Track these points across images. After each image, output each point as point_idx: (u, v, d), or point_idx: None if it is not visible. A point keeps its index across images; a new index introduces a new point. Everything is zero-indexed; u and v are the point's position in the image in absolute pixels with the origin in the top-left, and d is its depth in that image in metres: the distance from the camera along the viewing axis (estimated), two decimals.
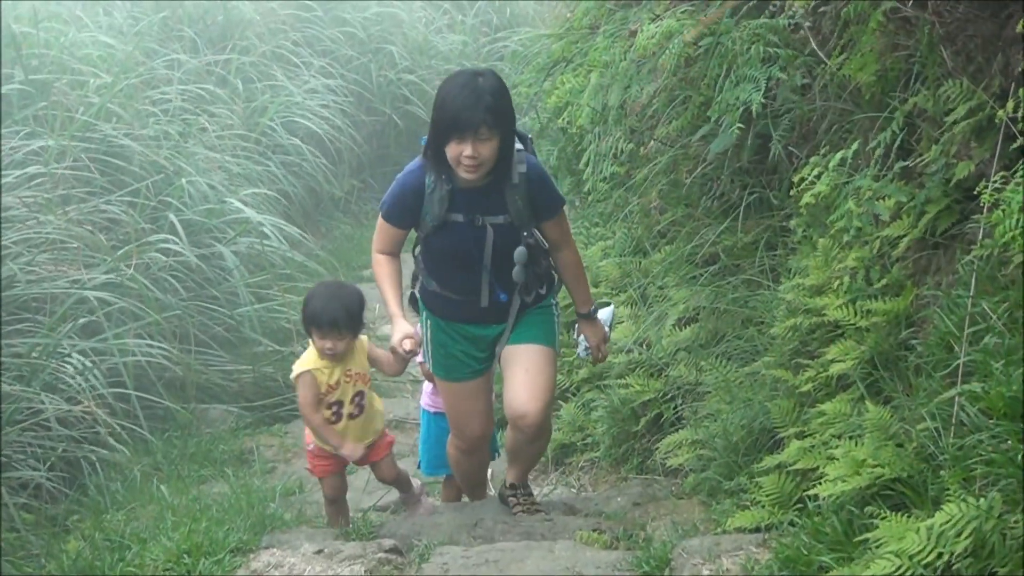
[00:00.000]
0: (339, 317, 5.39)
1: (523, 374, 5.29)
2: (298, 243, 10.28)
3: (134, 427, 7.35)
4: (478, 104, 4.84)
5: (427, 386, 6.00)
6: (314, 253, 10.68)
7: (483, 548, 5.15)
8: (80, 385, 7.02)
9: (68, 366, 7.08)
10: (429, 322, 5.42)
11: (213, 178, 9.89)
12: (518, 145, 5.13)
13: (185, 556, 5.25)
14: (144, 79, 10.61)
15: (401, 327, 5.19)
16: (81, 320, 7.42)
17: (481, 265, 5.20)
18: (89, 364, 7.18)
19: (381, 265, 5.35)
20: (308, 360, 5.48)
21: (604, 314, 5.65)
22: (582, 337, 5.63)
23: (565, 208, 5.41)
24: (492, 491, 6.25)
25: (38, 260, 7.56)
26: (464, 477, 5.99)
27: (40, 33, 10.00)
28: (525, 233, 5.18)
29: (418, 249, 5.36)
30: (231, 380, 8.53)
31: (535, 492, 6.49)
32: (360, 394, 5.55)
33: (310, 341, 5.51)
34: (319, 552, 5.13)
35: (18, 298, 7.25)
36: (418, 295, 5.47)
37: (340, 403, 5.51)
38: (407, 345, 5.16)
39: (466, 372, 5.45)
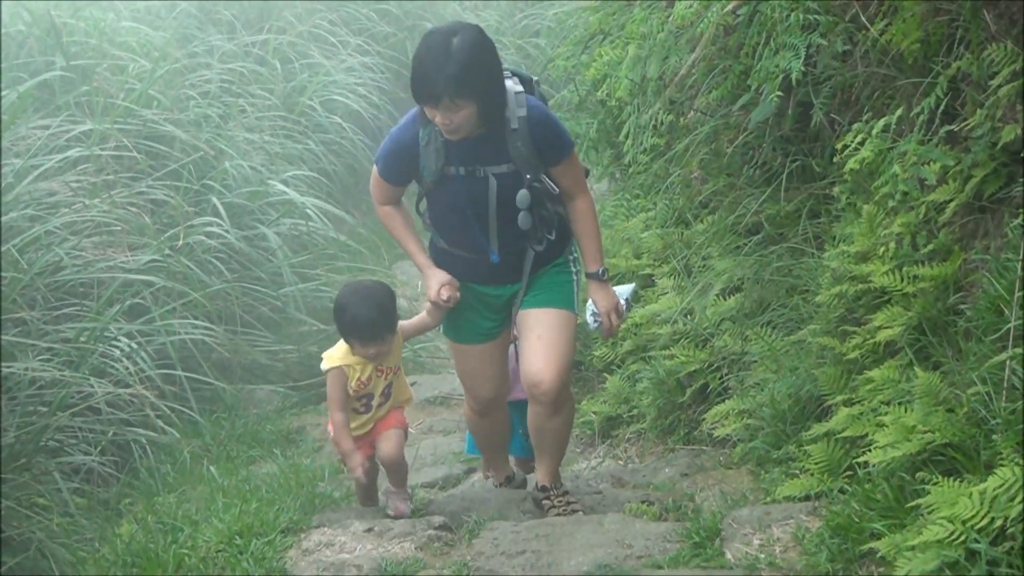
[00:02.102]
0: (378, 322, 5.11)
1: (537, 340, 5.08)
2: (340, 222, 10.31)
3: (183, 409, 7.40)
4: (441, 73, 4.57)
5: None
6: (356, 232, 10.71)
7: (533, 523, 5.16)
8: (128, 368, 7.07)
9: (116, 349, 7.13)
10: None
11: (254, 159, 9.95)
12: (518, 88, 4.87)
13: (237, 537, 5.29)
14: (184, 63, 10.65)
15: (435, 276, 5.05)
16: (127, 303, 7.47)
17: (487, 219, 4.97)
18: (136, 347, 7.23)
19: (391, 216, 5.18)
20: (339, 355, 5.24)
21: (622, 289, 5.37)
22: (590, 302, 5.25)
23: (575, 152, 5.13)
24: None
25: (83, 244, 7.61)
26: (483, 441, 5.80)
27: (79, 23, 10.06)
28: (529, 176, 4.90)
29: (422, 205, 5.17)
30: (277, 360, 8.58)
31: (583, 465, 6.51)
32: (389, 385, 5.34)
33: None
34: (369, 530, 5.16)
35: (65, 283, 7.30)
36: (428, 253, 5.23)
37: (370, 396, 5.30)
38: (445, 293, 5.02)
39: (479, 335, 5.27)
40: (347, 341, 5.19)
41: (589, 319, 5.30)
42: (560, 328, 5.12)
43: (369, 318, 5.09)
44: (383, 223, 5.26)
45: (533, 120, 4.85)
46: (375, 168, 5.14)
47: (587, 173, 5.31)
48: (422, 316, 5.30)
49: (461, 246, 5.09)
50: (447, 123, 4.68)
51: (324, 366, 5.25)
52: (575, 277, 5.22)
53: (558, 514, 5.31)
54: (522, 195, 4.90)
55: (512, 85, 4.87)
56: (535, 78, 5.07)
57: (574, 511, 5.33)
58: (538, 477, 5.50)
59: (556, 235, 5.08)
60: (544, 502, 5.41)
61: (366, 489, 5.60)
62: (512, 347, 5.51)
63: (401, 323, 5.28)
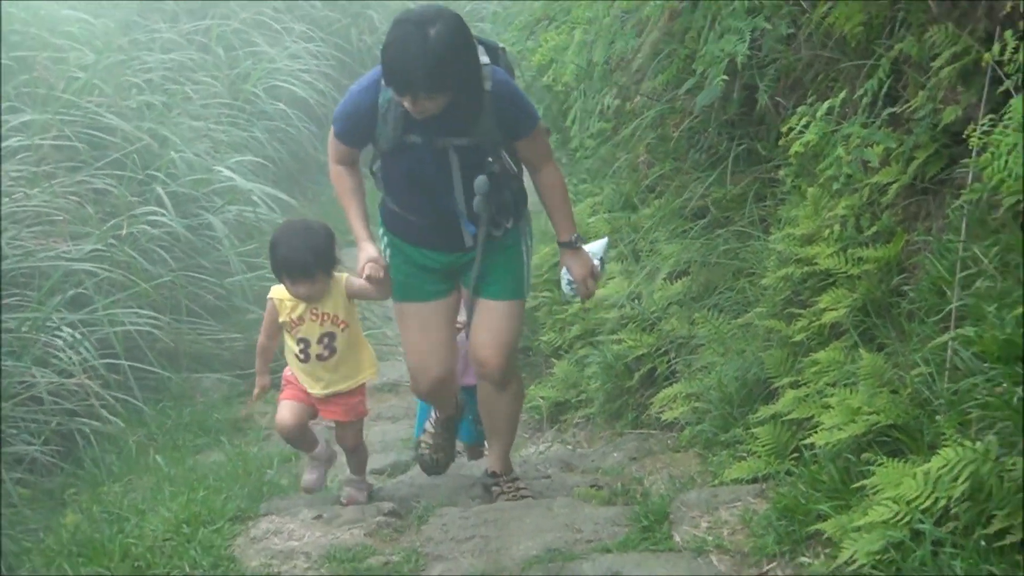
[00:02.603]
0: (308, 261, 4.99)
1: (486, 330, 5.05)
2: (287, 209, 10.25)
3: (127, 398, 7.34)
4: (418, 67, 4.40)
5: None
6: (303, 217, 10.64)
7: (482, 508, 5.17)
8: (71, 358, 7.00)
9: (59, 339, 7.06)
10: (386, 239, 5.08)
11: (199, 147, 9.86)
12: (484, 59, 4.68)
13: (184, 526, 5.26)
14: (126, 52, 10.55)
15: (365, 250, 4.83)
16: (70, 292, 7.40)
17: (448, 192, 4.82)
18: (79, 336, 7.17)
19: (341, 178, 4.97)
20: (279, 287, 5.16)
21: (595, 246, 5.22)
22: (564, 271, 5.13)
23: (541, 124, 4.96)
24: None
25: (24, 234, 7.53)
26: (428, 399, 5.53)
27: (19, 12, 9.94)
28: (491, 159, 4.78)
29: (376, 165, 4.97)
30: (223, 348, 8.52)
31: (532, 450, 6.52)
32: (330, 335, 5.14)
33: None
34: (318, 517, 5.14)
35: (6, 273, 7.22)
36: (380, 211, 5.11)
37: (307, 341, 5.15)
38: (369, 270, 4.81)
39: (426, 292, 5.08)
40: (278, 278, 5.14)
41: (565, 288, 5.23)
42: (509, 316, 5.08)
43: (298, 256, 4.99)
44: (332, 182, 5.05)
45: (498, 94, 4.69)
46: (331, 129, 4.95)
47: (548, 133, 5.25)
48: (367, 284, 5.04)
49: (415, 212, 4.93)
50: (419, 110, 4.53)
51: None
52: (526, 257, 5.11)
53: (507, 500, 5.27)
54: (480, 181, 4.78)
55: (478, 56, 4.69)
56: (501, 46, 4.92)
57: (523, 497, 5.29)
58: (488, 462, 5.49)
59: (512, 222, 5.00)
60: (493, 488, 5.37)
61: (292, 441, 5.43)
62: (463, 334, 5.45)
63: (348, 277, 5.14)
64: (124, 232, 8.12)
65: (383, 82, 4.61)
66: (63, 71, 9.44)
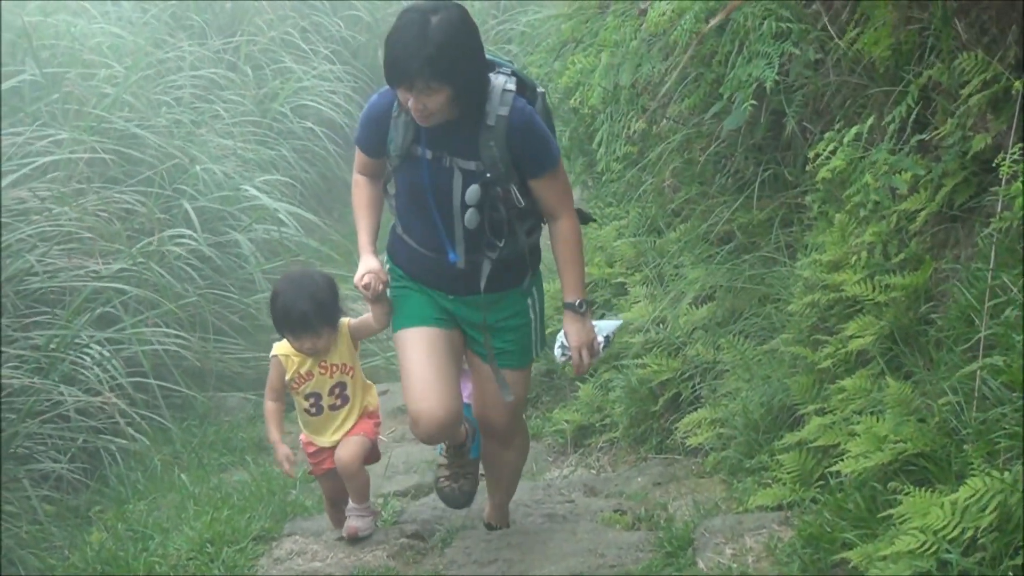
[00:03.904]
0: (309, 314, 4.81)
1: (491, 393, 4.77)
2: (312, 229, 10.29)
3: (154, 416, 7.37)
4: (418, 54, 4.17)
5: None
6: (328, 238, 10.69)
7: (505, 531, 5.16)
8: (99, 376, 7.03)
9: (86, 357, 7.10)
10: (388, 265, 4.78)
11: (226, 165, 9.92)
12: (509, 86, 4.43)
13: (208, 545, 5.29)
14: (156, 68, 10.62)
15: (366, 262, 4.59)
16: (98, 311, 7.44)
17: (451, 216, 4.53)
18: (107, 354, 7.20)
19: (359, 188, 4.75)
20: (282, 345, 4.98)
21: (606, 325, 5.05)
22: (562, 334, 4.73)
23: (562, 166, 4.65)
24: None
25: (54, 252, 7.58)
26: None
27: (51, 24, 10.01)
28: (490, 176, 4.45)
29: (391, 186, 4.73)
30: (248, 368, 8.55)
31: (556, 474, 6.50)
32: (341, 385, 4.99)
33: None
34: (341, 539, 5.15)
35: (35, 291, 7.27)
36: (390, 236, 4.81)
37: (318, 395, 4.98)
38: (366, 280, 4.55)
39: (429, 317, 4.69)
40: (280, 333, 4.94)
41: (557, 352, 4.94)
42: (516, 383, 4.80)
43: (300, 310, 4.81)
44: (352, 192, 4.81)
45: (514, 123, 4.41)
46: (355, 136, 4.76)
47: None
48: (367, 317, 4.90)
49: (419, 240, 4.65)
50: (420, 108, 4.27)
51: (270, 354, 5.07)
52: (534, 322, 4.80)
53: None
54: (472, 190, 4.45)
55: (502, 82, 4.44)
56: (542, 89, 4.65)
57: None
58: (486, 513, 5.29)
59: (516, 261, 4.68)
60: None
61: (337, 508, 5.29)
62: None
63: (350, 321, 4.99)
64: (152, 249, 8.16)
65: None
66: (92, 88, 9.51)
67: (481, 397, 4.86)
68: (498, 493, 5.23)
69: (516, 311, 4.76)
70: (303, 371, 4.95)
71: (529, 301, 4.78)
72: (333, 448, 5.06)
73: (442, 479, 5.23)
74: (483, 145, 4.42)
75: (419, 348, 4.67)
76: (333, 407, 5.02)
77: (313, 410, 5.02)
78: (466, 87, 4.32)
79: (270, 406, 5.07)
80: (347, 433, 5.06)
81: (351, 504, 5.20)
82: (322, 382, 4.97)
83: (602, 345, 4.85)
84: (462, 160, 4.46)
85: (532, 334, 4.81)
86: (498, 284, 4.65)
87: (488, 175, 4.45)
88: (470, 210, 4.48)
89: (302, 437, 5.17)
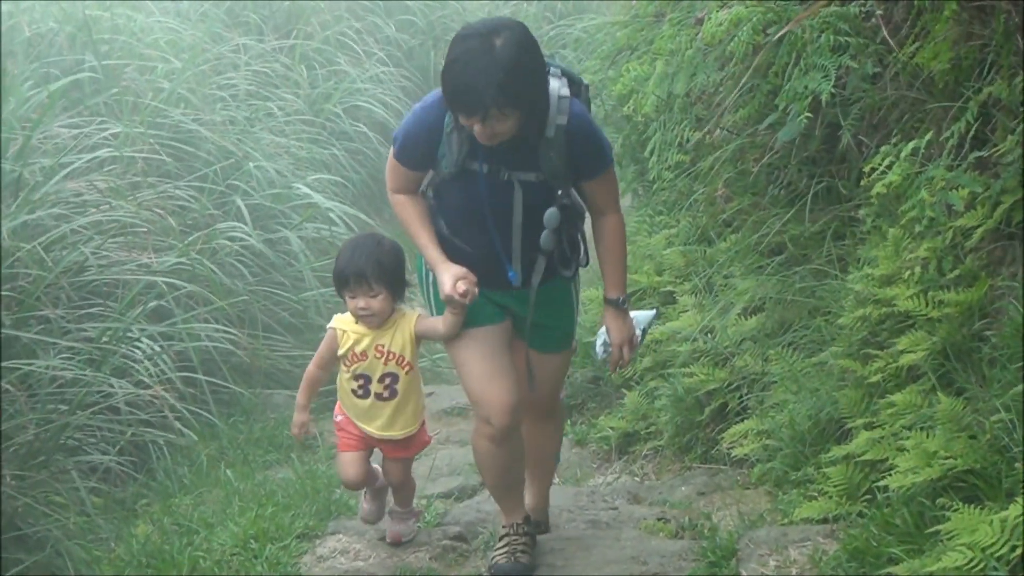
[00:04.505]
0: (367, 268, 4.64)
1: (540, 382, 4.80)
2: (363, 227, 10.33)
3: (201, 412, 7.41)
4: (488, 81, 4.05)
5: None
6: None
7: (548, 537, 5.16)
8: (149, 369, 7.08)
9: (137, 350, 7.15)
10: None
11: (279, 163, 9.98)
12: (564, 91, 4.35)
13: (252, 541, 5.33)
14: (212, 64, 10.71)
15: (450, 270, 4.42)
16: (150, 304, 7.49)
17: (510, 231, 4.46)
18: (158, 349, 7.25)
19: (405, 206, 4.56)
20: (344, 317, 4.84)
21: (642, 316, 4.92)
22: (603, 331, 4.76)
23: (613, 168, 4.62)
24: (556, 479, 6.23)
25: (108, 245, 7.64)
26: (495, 479, 4.90)
27: (110, 19, 10.11)
28: (560, 192, 4.41)
29: (430, 191, 4.57)
30: (296, 365, 8.56)
31: (600, 480, 6.49)
32: (392, 376, 4.80)
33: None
34: (384, 538, 5.17)
35: (89, 282, 7.33)
36: None
37: (367, 378, 4.80)
38: (462, 287, 4.39)
39: (482, 315, 4.61)
40: (338, 291, 4.82)
41: (599, 350, 4.92)
42: (559, 368, 4.89)
43: (358, 264, 4.67)
44: (395, 212, 4.65)
45: (573, 130, 4.34)
46: (391, 149, 4.57)
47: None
48: (435, 320, 4.74)
49: (471, 245, 4.54)
50: (488, 132, 4.19)
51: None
52: (576, 300, 4.82)
53: (499, 556, 4.85)
54: (551, 214, 4.43)
55: (557, 87, 4.36)
56: (586, 83, 4.55)
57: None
58: (527, 503, 5.08)
59: (566, 256, 4.66)
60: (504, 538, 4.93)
61: (358, 487, 5.14)
62: None
63: (421, 315, 4.85)
64: (204, 245, 8.21)
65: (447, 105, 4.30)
66: (150, 82, 9.60)
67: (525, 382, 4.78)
68: (540, 483, 5.16)
69: (562, 297, 4.73)
70: (358, 350, 4.78)
71: (572, 285, 4.75)
72: (371, 437, 4.93)
73: (497, 555, 4.94)
74: (543, 156, 4.35)
75: (477, 346, 4.63)
76: (380, 396, 4.83)
77: (360, 392, 4.84)
78: (535, 107, 4.26)
79: (312, 371, 4.90)
80: (395, 442, 4.94)
81: (394, 507, 5.21)
82: (375, 366, 4.79)
83: (640, 339, 4.86)
84: (521, 172, 4.39)
85: (575, 317, 4.82)
86: (548, 275, 4.62)
87: (558, 190, 4.41)
88: (546, 232, 4.45)
89: (339, 416, 4.97)
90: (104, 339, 7.01)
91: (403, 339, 4.78)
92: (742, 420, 5.82)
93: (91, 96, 9.08)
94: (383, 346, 4.77)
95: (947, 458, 3.98)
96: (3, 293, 6.47)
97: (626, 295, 4.68)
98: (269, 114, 10.81)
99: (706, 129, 7.08)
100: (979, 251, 4.59)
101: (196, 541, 5.51)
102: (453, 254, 4.52)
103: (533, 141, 4.33)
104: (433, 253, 4.51)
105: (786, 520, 4.89)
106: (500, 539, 4.93)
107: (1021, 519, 3.43)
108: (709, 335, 6.41)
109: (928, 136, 4.74)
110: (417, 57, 14.22)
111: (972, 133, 4.58)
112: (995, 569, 3.45)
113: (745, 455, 5.67)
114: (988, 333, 4.39)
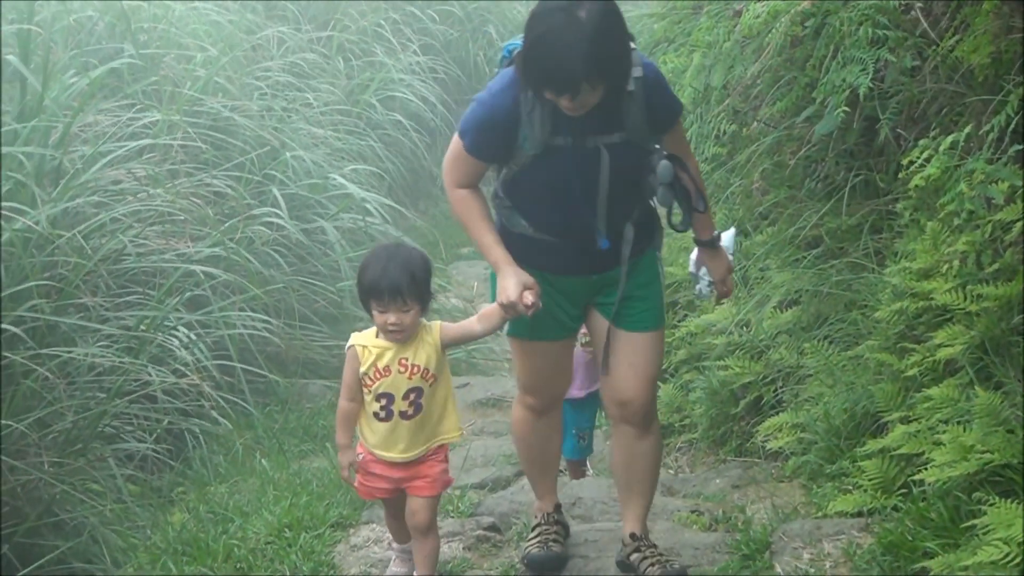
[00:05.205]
0: (402, 283, 4.30)
1: (628, 367, 4.46)
2: (399, 218, 10.37)
3: (237, 400, 7.45)
4: (579, 57, 3.86)
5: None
6: (414, 227, 10.76)
7: (581, 528, 5.17)
8: (186, 358, 7.12)
9: (174, 339, 7.19)
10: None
11: (316, 153, 10.02)
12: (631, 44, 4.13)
13: (286, 530, 5.35)
14: (248, 54, 10.76)
15: (518, 275, 4.22)
16: (187, 293, 7.54)
17: (596, 198, 4.25)
18: (194, 337, 7.29)
19: (467, 203, 4.35)
20: (362, 334, 4.51)
21: (726, 240, 4.71)
22: (703, 271, 4.64)
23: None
24: (590, 471, 6.24)
25: (147, 233, 7.69)
26: (534, 452, 4.84)
27: (149, 7, 10.18)
28: (657, 146, 4.21)
29: (502, 186, 4.38)
30: (332, 355, 8.60)
31: None
32: (417, 391, 4.42)
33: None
34: None
35: (128, 271, 7.38)
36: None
37: (391, 396, 4.42)
38: (529, 298, 4.19)
39: (556, 331, 4.52)
40: (364, 305, 4.45)
41: (704, 288, 4.74)
42: (654, 348, 4.52)
43: (392, 277, 4.31)
44: (455, 210, 4.43)
45: (649, 81, 4.16)
46: (459, 142, 4.30)
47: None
48: (469, 322, 4.52)
49: (552, 230, 4.35)
50: (577, 105, 4.01)
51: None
52: (662, 278, 4.59)
53: (652, 564, 4.53)
54: (664, 167, 4.17)
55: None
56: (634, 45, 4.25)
57: (671, 564, 4.53)
58: (625, 523, 4.70)
59: (648, 220, 4.46)
60: (633, 555, 4.59)
61: (399, 522, 4.75)
62: (577, 345, 5.13)
63: (444, 324, 4.53)
64: (240, 234, 8.26)
65: (526, 85, 4.07)
66: (188, 71, 9.65)
67: (619, 372, 4.49)
68: (639, 502, 4.67)
69: (651, 269, 4.53)
70: (381, 365, 4.41)
71: (658, 261, 4.58)
72: (391, 466, 4.55)
73: (530, 545, 4.82)
74: (626, 112, 4.16)
75: (545, 358, 4.61)
76: (404, 414, 4.44)
77: (383, 414, 4.45)
78: (624, 74, 4.08)
79: (344, 405, 4.52)
80: (416, 467, 4.54)
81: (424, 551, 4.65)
82: (399, 382, 4.41)
83: (732, 260, 4.73)
84: (605, 136, 4.18)
85: (663, 294, 4.62)
86: (637, 248, 4.42)
87: (641, 146, 4.22)
88: (661, 189, 4.20)
89: (363, 455, 4.58)
90: (142, 327, 7.06)
91: (427, 351, 4.45)
92: (777, 413, 5.80)
93: (130, 84, 9.13)
94: (407, 359, 4.43)
95: (984, 452, 3.96)
96: (43, 281, 6.53)
97: (715, 233, 4.56)
98: (306, 104, 10.86)
99: (743, 121, 7.07)
100: (1018, 245, 4.56)
101: (231, 529, 5.53)
102: (529, 253, 4.36)
103: (614, 100, 4.12)
104: (499, 253, 4.31)
105: (820, 513, 4.88)
106: (532, 529, 4.91)
107: None
108: (745, 328, 6.40)
109: (967, 129, 4.71)
110: (455, 48, 14.25)
111: (1012, 127, 4.54)
112: None
113: (780, 448, 5.66)
114: None
